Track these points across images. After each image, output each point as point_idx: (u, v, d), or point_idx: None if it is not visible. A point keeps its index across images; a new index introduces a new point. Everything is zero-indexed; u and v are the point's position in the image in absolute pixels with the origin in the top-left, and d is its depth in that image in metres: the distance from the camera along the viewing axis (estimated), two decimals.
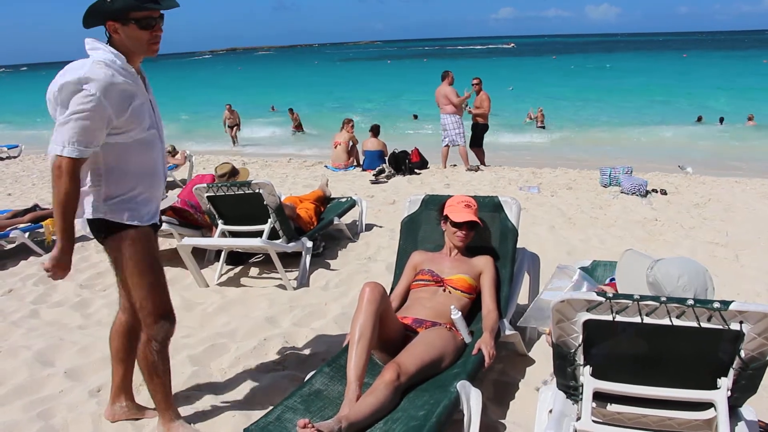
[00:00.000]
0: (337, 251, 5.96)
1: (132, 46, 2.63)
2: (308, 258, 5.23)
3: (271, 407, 2.78)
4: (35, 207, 7.06)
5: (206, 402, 3.31)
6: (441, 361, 2.97)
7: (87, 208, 2.70)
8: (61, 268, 2.62)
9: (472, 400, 2.68)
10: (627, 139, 18.00)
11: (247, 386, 3.46)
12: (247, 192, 4.96)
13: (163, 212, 5.47)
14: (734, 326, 2.05)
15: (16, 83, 73.88)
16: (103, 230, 2.72)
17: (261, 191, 4.92)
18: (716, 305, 2.02)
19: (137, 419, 3.17)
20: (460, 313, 3.18)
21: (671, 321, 2.08)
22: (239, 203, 5.08)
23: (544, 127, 20.73)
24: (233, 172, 5.93)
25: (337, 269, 5.46)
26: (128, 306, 3.00)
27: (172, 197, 5.63)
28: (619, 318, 2.13)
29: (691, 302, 2.03)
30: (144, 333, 2.87)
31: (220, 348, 3.96)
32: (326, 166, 12.21)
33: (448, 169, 11.45)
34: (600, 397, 2.57)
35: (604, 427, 2.34)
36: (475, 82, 11.97)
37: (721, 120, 19.41)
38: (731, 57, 59.77)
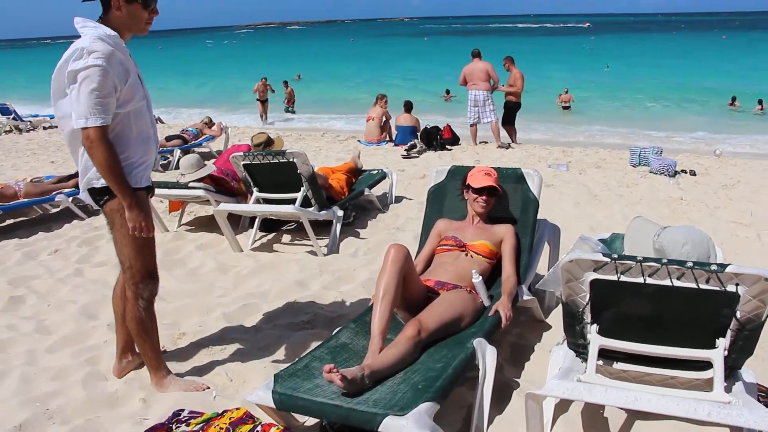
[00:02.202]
0: (367, 221, 6.16)
1: (130, 23, 2.80)
2: (339, 226, 5.43)
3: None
4: (77, 173, 7.36)
5: (238, 355, 3.55)
6: (460, 321, 3.15)
7: (91, 176, 2.87)
8: (138, 222, 2.83)
9: (488, 356, 2.86)
10: (661, 121, 17.79)
11: (277, 342, 3.68)
12: (281, 161, 5.17)
13: (202, 180, 5.72)
14: (731, 288, 2.20)
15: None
16: (106, 194, 2.88)
17: (295, 160, 5.12)
18: (714, 267, 2.17)
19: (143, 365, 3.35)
20: (480, 276, 3.35)
21: (672, 282, 2.23)
22: (274, 172, 5.29)
23: (569, 108, 20.83)
24: (269, 141, 6.15)
25: (366, 238, 5.66)
26: None
27: (210, 167, 5.85)
28: (623, 278, 2.29)
29: (690, 264, 2.19)
30: (130, 291, 3.03)
31: (252, 307, 4.20)
32: (359, 141, 12.37)
33: (479, 146, 11.55)
34: (607, 357, 2.74)
35: (606, 379, 2.51)
36: (504, 61, 12.02)
37: (760, 102, 19.08)
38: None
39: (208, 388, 3.17)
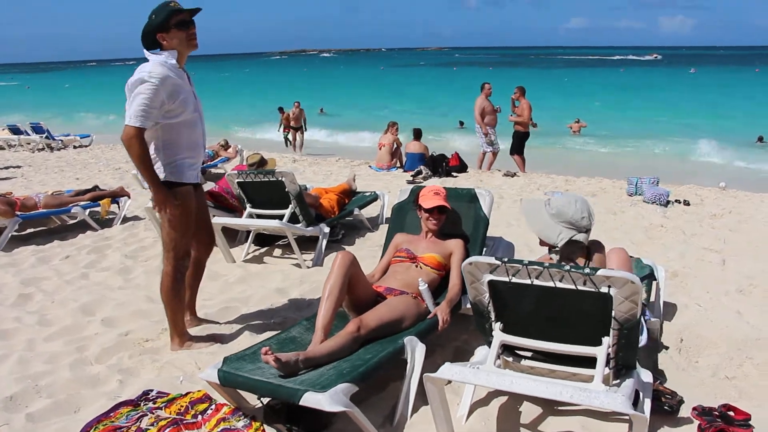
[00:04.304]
0: (355, 239, 6.57)
1: (177, 46, 3.56)
2: (324, 242, 5.84)
3: None
4: (95, 188, 7.96)
5: (212, 349, 3.94)
6: (400, 323, 3.51)
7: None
8: (162, 203, 3.58)
9: (417, 352, 3.23)
10: (674, 156, 17.87)
11: (248, 339, 4.07)
12: (271, 179, 5.63)
13: None
14: (604, 289, 2.54)
15: (99, 77, 77.96)
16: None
17: (283, 179, 5.57)
18: (587, 270, 2.51)
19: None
20: (426, 285, 3.72)
21: (555, 284, 2.59)
22: (264, 189, 5.76)
23: (579, 134, 21.67)
24: (262, 161, 6.64)
25: None
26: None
27: (209, 184, 6.33)
28: (514, 279, 2.65)
29: (567, 267, 2.54)
30: (170, 267, 3.77)
31: (232, 310, 4.63)
32: (370, 166, 12.83)
33: (484, 174, 11.92)
34: (517, 354, 3.10)
35: (504, 370, 2.86)
36: (515, 91, 12.47)
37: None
38: None
39: (221, 342, 3.97)
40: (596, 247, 3.33)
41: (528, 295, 2.69)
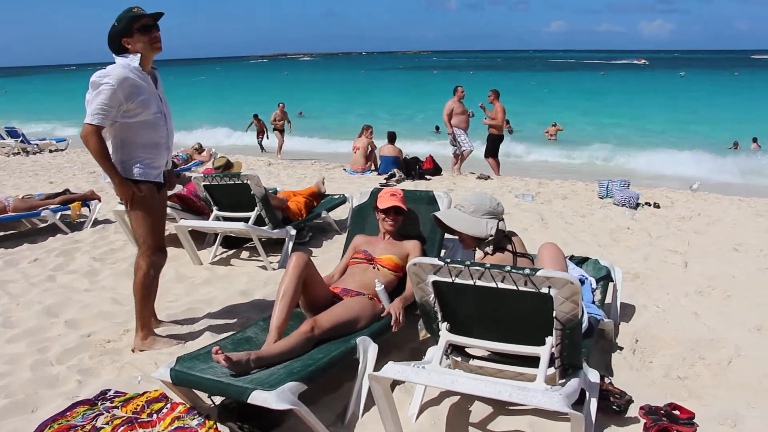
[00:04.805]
0: (323, 241, 6.62)
1: (141, 50, 3.65)
2: (291, 244, 5.89)
3: None
4: (66, 191, 7.93)
5: (172, 349, 3.98)
6: (355, 323, 3.56)
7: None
8: (126, 195, 3.72)
9: (369, 352, 3.29)
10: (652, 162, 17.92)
11: (209, 339, 4.09)
12: (237, 182, 5.67)
13: (168, 199, 6.21)
14: (544, 290, 2.61)
15: (74, 81, 77.41)
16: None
17: (248, 182, 5.61)
18: (527, 271, 2.58)
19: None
20: (383, 285, 3.78)
21: (496, 284, 2.65)
22: (230, 192, 5.79)
23: (554, 139, 21.93)
24: (228, 165, 6.69)
25: (317, 256, 6.11)
26: None
27: (178, 187, 6.35)
28: (457, 280, 2.71)
29: (508, 268, 2.60)
30: (144, 262, 3.90)
31: (196, 311, 4.66)
32: (345, 169, 12.89)
33: (458, 177, 12.03)
34: (466, 354, 3.16)
35: (453, 371, 2.93)
36: (490, 94, 12.60)
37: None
38: None
39: (184, 342, 4.03)
40: (512, 233, 3.53)
41: (471, 295, 2.76)
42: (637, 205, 8.93)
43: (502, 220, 3.42)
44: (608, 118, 28.71)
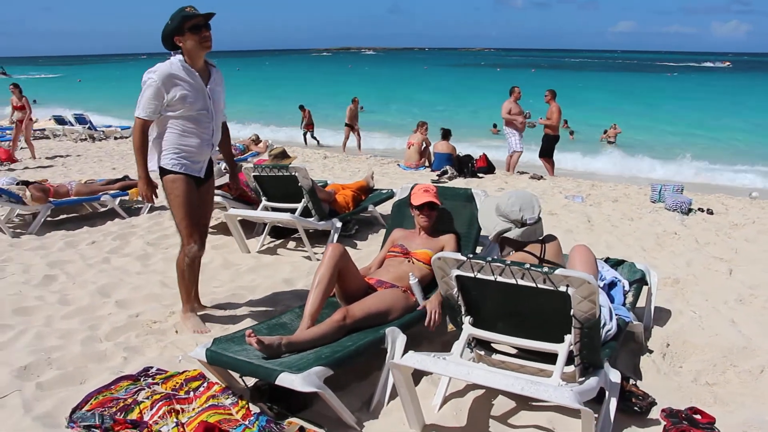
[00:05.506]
0: (368, 234, 6.76)
1: (191, 47, 3.86)
2: (336, 236, 6.05)
3: None
4: (125, 177, 8.31)
5: (212, 330, 4.20)
6: (387, 314, 3.67)
7: (154, 158, 4.01)
8: (146, 195, 4.03)
9: (398, 342, 3.40)
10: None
11: (248, 324, 4.27)
12: (285, 174, 5.85)
13: (220, 188, 6.45)
14: (562, 288, 2.67)
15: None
16: (163, 173, 4.02)
17: (296, 174, 5.79)
18: (545, 269, 2.65)
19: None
20: (417, 279, 3.88)
21: (516, 281, 2.73)
22: (279, 183, 5.99)
23: (614, 143, 21.25)
24: (284, 153, 6.91)
25: (361, 249, 6.26)
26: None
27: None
28: (479, 275, 2.80)
29: (527, 266, 2.68)
30: (181, 250, 4.16)
31: (239, 297, 4.87)
32: (399, 165, 13.02)
33: (512, 176, 12.01)
34: (489, 349, 3.25)
35: (471, 363, 3.01)
36: (546, 94, 12.52)
37: None
38: None
39: (209, 331, 4.17)
40: (549, 239, 3.52)
41: (493, 291, 2.84)
42: (689, 210, 8.77)
43: (522, 225, 3.40)
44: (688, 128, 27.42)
